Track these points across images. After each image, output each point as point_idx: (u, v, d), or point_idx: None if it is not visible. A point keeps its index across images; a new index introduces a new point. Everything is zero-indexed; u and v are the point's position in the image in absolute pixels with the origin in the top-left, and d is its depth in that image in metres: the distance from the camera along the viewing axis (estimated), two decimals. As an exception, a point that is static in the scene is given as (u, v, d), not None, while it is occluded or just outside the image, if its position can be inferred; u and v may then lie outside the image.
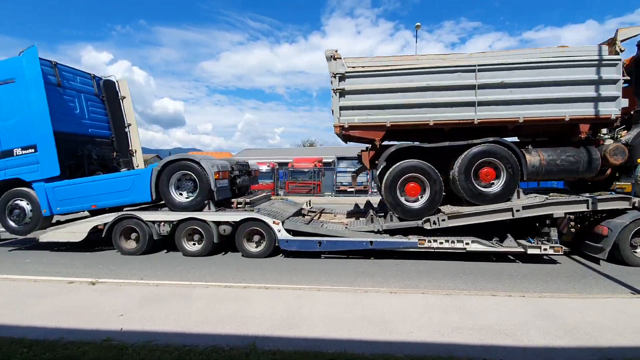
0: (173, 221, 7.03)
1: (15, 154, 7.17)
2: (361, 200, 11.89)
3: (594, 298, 4.69)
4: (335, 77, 6.36)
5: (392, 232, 6.78)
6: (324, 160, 30.45)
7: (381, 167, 6.64)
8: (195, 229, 7.06)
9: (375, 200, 10.92)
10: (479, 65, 6.21)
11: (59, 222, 7.91)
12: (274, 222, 6.83)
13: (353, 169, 24.34)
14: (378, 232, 6.73)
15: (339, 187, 24.35)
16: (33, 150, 7.10)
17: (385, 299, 4.66)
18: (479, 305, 4.45)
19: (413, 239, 6.55)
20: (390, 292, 4.98)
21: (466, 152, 6.44)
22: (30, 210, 7.35)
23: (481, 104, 6.26)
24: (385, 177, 6.63)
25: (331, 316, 4.11)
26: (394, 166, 6.60)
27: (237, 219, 6.95)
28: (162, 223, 7.07)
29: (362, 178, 23.41)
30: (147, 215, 7.11)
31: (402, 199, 6.67)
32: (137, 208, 7.70)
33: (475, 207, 6.48)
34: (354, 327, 3.82)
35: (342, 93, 6.43)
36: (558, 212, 6.30)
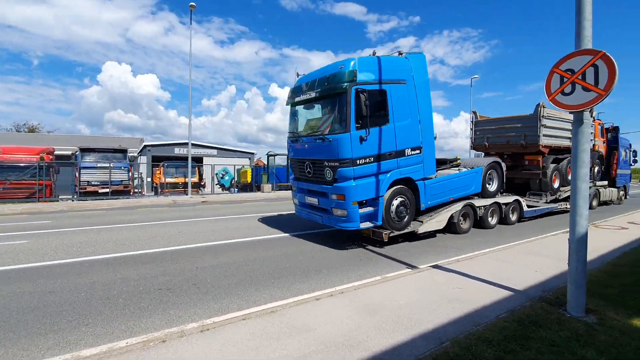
0: (487, 205, 9.80)
1: (406, 154, 7.50)
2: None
3: (392, 280, 5.26)
4: (542, 117, 11.02)
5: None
6: (57, 152, 22.88)
7: (551, 165, 11.97)
8: (494, 210, 10.07)
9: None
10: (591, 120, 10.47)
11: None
12: (524, 201, 10.92)
13: (108, 164, 19.55)
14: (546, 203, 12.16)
15: (84, 188, 18.77)
16: (419, 151, 7.71)
17: (199, 348, 3.27)
18: (309, 315, 3.95)
19: (554, 205, 12.20)
20: (202, 329, 3.61)
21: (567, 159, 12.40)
22: (408, 206, 7.65)
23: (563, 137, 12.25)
24: (550, 173, 11.88)
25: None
26: (553, 167, 12.00)
27: (511, 200, 10.55)
28: (481, 207, 9.66)
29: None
30: (477, 202, 9.52)
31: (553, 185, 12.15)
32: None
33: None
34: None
35: (543, 127, 11.10)
36: None
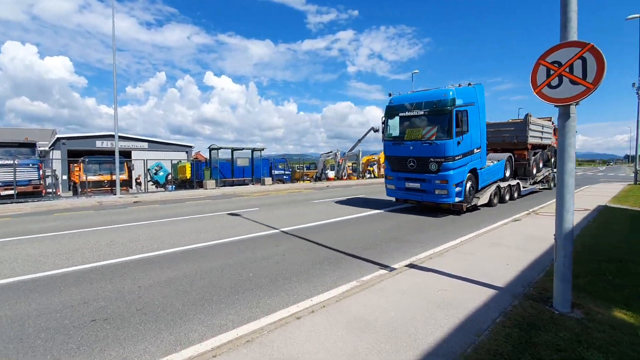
0: (505, 186, 13.97)
1: (473, 152, 11.41)
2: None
3: (371, 285, 4.88)
4: (529, 123, 15.79)
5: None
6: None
7: (532, 157, 16.67)
8: (508, 189, 14.28)
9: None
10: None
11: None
12: (521, 182, 15.70)
13: (11, 161, 16.36)
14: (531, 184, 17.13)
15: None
16: (479, 150, 11.75)
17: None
18: (295, 341, 3.38)
19: (534, 186, 17.22)
20: (161, 379, 2.82)
21: (539, 153, 17.95)
22: (474, 187, 11.81)
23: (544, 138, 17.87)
24: (532, 163, 16.61)
25: None
26: (533, 159, 16.74)
27: (515, 183, 14.99)
28: (505, 187, 13.95)
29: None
30: (502, 184, 13.73)
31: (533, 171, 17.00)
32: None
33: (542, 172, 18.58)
34: None
35: (529, 130, 15.81)
36: None
